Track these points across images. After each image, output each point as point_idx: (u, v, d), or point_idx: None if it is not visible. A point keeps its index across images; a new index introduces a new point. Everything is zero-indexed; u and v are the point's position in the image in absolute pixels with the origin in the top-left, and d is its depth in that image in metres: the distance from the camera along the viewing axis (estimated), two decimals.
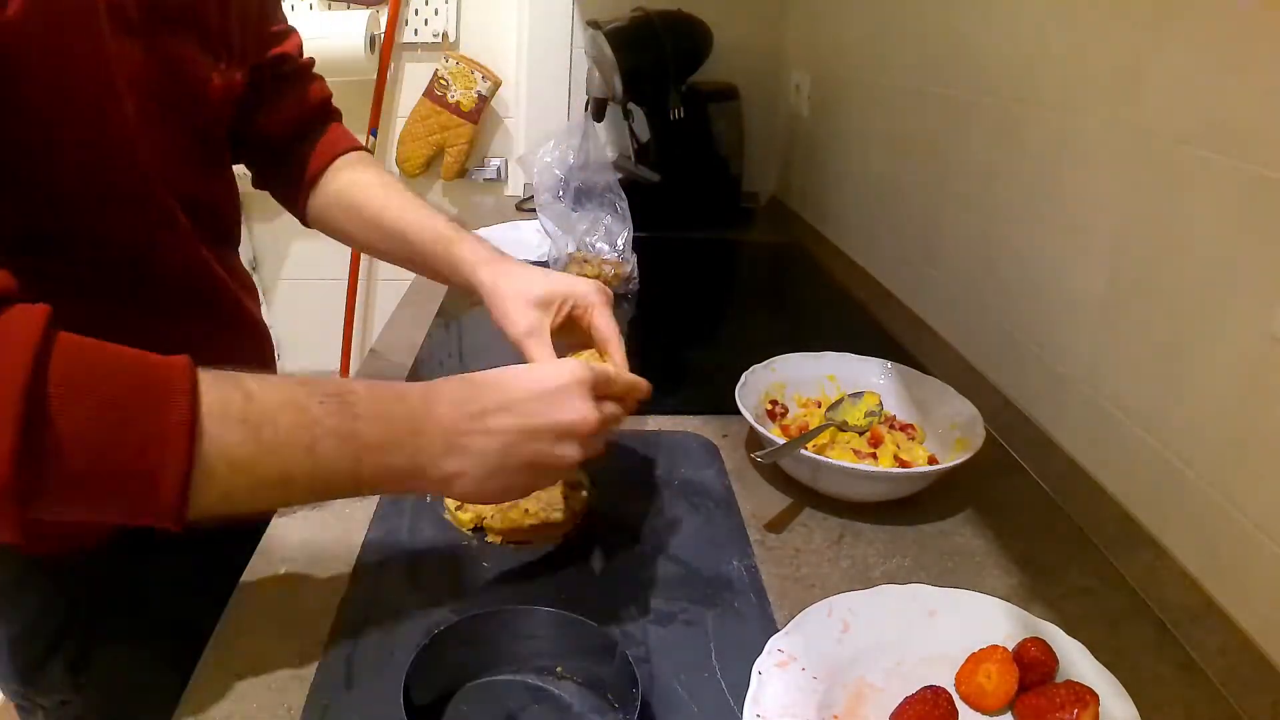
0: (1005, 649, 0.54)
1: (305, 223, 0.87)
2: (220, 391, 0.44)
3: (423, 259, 0.79)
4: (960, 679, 0.54)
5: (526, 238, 1.40)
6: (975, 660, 0.54)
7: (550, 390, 0.53)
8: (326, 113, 0.87)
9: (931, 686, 0.51)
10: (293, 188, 0.84)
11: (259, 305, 0.82)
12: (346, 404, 0.48)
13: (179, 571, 0.70)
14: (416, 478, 0.51)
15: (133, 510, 0.43)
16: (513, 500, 0.57)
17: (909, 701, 0.51)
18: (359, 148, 0.87)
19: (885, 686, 0.53)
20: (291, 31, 0.83)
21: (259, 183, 0.87)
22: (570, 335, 0.72)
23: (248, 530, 0.65)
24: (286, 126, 0.83)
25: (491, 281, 0.72)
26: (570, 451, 0.54)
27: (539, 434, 0.52)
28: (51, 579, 0.68)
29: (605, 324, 0.70)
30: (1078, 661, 0.54)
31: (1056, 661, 0.53)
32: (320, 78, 0.87)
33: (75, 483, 0.40)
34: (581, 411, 0.53)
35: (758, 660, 0.53)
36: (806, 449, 0.73)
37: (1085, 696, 0.50)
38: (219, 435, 0.43)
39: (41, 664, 0.70)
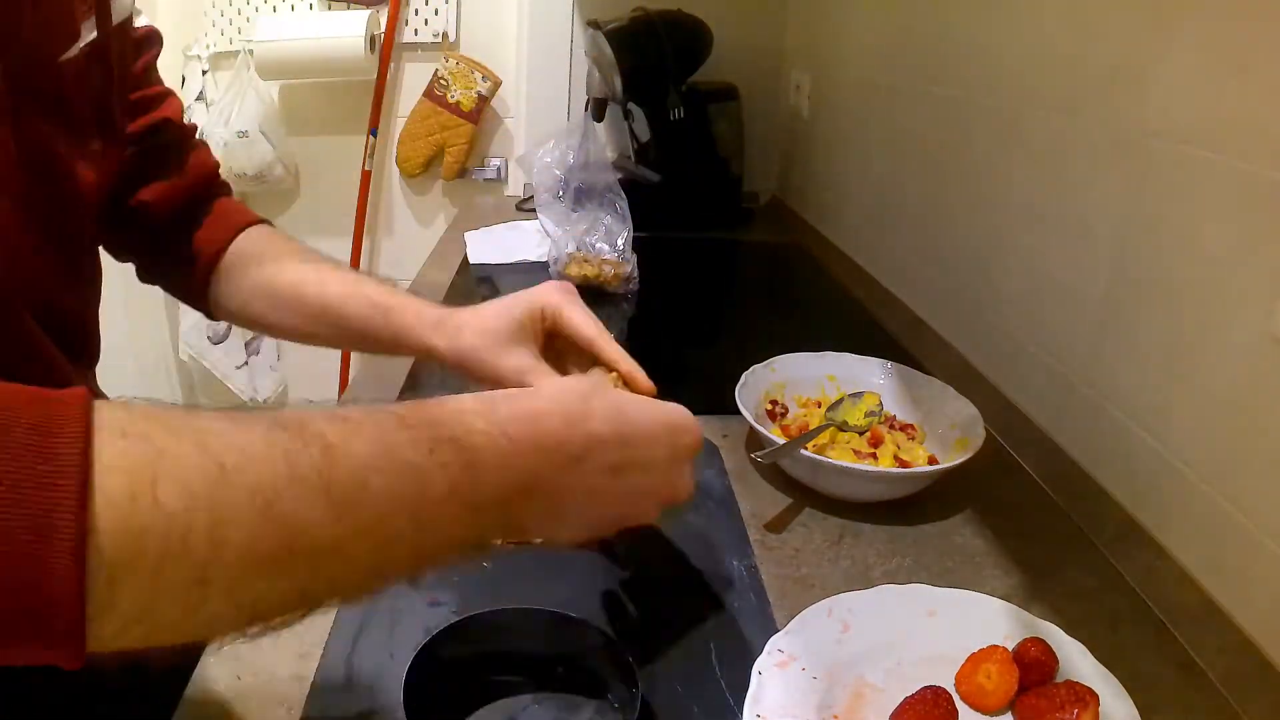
0: (1005, 649, 0.54)
1: (212, 316, 0.73)
2: (278, 446, 0.32)
3: (360, 335, 0.67)
4: (960, 679, 0.54)
5: (526, 238, 1.40)
6: (975, 660, 0.54)
7: (673, 445, 0.47)
8: (213, 186, 0.73)
9: (931, 686, 0.51)
10: (189, 275, 0.71)
11: None
12: (465, 449, 0.37)
13: None
14: (505, 536, 0.42)
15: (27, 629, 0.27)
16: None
17: (909, 701, 0.51)
18: (257, 221, 0.74)
19: (885, 686, 0.53)
20: (169, 95, 0.70)
21: (146, 275, 0.74)
22: (555, 345, 0.63)
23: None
24: (169, 205, 0.69)
25: (450, 341, 0.62)
26: (653, 511, 0.48)
27: (653, 491, 0.47)
28: None
29: (583, 320, 0.61)
30: (1078, 661, 0.54)
31: (1056, 661, 0.53)
32: (205, 146, 0.73)
33: None
34: (686, 479, 0.48)
35: (758, 660, 0.52)
36: (806, 449, 0.73)
37: (1085, 696, 0.50)
38: (283, 512, 0.31)
39: None
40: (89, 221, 0.59)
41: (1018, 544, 0.70)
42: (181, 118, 0.71)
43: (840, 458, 0.74)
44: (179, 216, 0.70)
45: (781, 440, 0.74)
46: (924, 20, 1.12)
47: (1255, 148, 0.57)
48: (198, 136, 0.73)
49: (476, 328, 0.61)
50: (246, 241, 0.71)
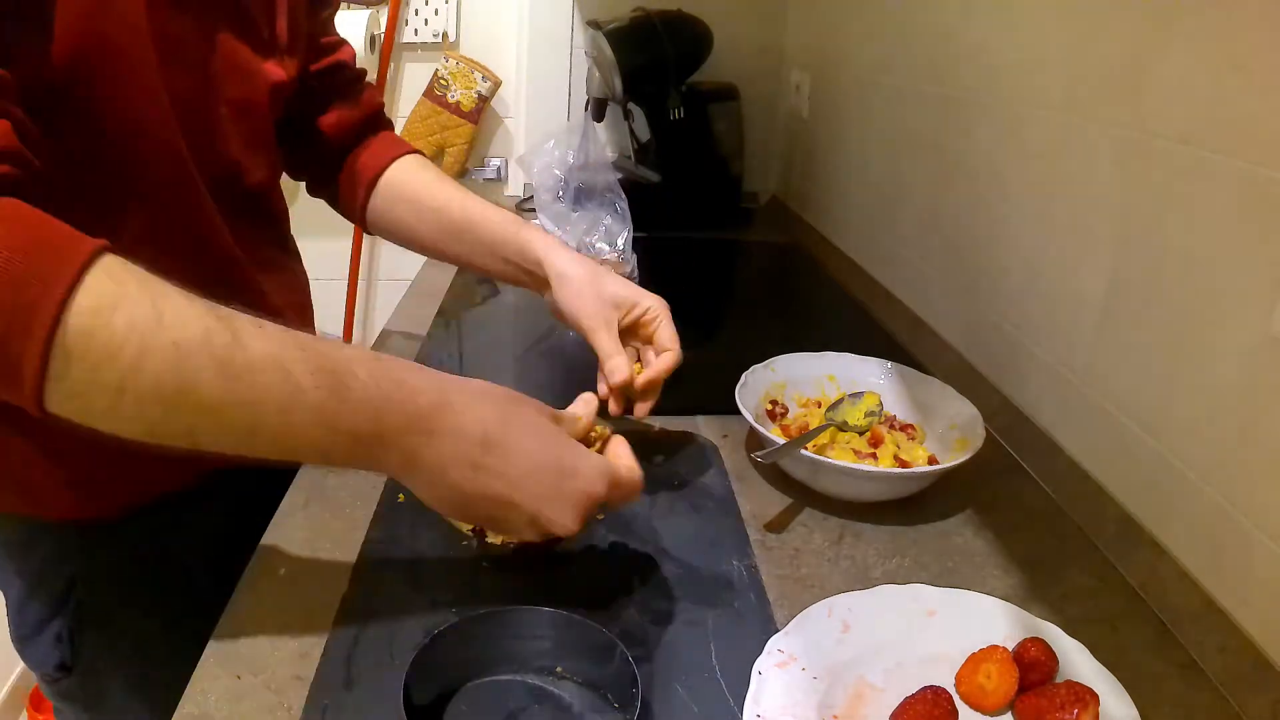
0: (1005, 649, 0.54)
1: (365, 227, 0.88)
2: (205, 323, 0.43)
3: (490, 245, 0.80)
4: (960, 679, 0.54)
5: None
6: (975, 660, 0.54)
7: (557, 487, 0.52)
8: (379, 121, 0.89)
9: (931, 686, 0.51)
10: (351, 191, 0.86)
11: (298, 282, 0.82)
12: (341, 384, 0.46)
13: (188, 555, 0.71)
14: (378, 466, 0.50)
15: None
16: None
17: (909, 701, 0.51)
18: (414, 151, 0.88)
19: (885, 686, 0.53)
20: (344, 43, 0.86)
21: (314, 189, 0.90)
22: (629, 338, 0.76)
23: (259, 525, 0.66)
24: (341, 133, 0.85)
25: (565, 266, 0.75)
26: (530, 535, 0.53)
27: (518, 509, 0.51)
28: (59, 544, 0.67)
29: (670, 336, 0.74)
30: (1078, 661, 0.54)
31: (1056, 661, 0.53)
32: (373, 87, 0.90)
33: None
34: (569, 520, 0.52)
35: (758, 660, 0.53)
36: (806, 449, 0.73)
37: (1085, 696, 0.50)
38: (187, 365, 0.42)
39: (37, 631, 0.69)
40: (265, 105, 0.69)
41: (1018, 544, 0.70)
42: (354, 63, 0.87)
43: (840, 458, 0.74)
44: (350, 142, 0.86)
45: (781, 440, 0.74)
46: (924, 20, 1.12)
47: (1255, 148, 0.57)
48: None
49: (592, 269, 0.76)
50: (402, 165, 0.86)
